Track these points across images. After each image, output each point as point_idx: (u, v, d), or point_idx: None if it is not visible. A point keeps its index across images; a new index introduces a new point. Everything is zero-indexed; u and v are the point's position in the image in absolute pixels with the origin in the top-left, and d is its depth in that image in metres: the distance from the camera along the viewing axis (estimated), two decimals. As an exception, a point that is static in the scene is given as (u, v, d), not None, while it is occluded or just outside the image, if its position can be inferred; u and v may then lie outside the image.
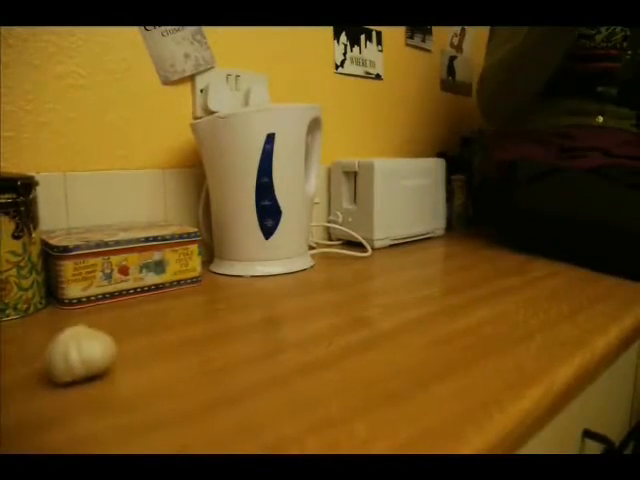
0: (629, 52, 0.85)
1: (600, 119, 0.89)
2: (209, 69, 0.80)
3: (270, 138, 0.69)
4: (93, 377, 0.39)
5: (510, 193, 0.92)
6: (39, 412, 0.34)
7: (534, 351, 0.44)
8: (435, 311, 0.56)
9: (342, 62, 1.02)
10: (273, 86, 0.90)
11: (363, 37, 1.06)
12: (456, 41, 1.34)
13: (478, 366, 0.41)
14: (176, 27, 0.75)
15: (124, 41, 0.71)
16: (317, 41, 0.98)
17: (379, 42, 1.09)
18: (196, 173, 0.81)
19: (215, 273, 0.75)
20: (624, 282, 0.67)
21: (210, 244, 0.81)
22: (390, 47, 1.13)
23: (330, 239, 1.00)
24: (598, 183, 0.80)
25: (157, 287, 0.64)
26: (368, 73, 1.08)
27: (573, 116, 0.87)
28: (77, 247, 0.57)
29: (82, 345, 0.38)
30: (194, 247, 0.67)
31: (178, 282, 0.66)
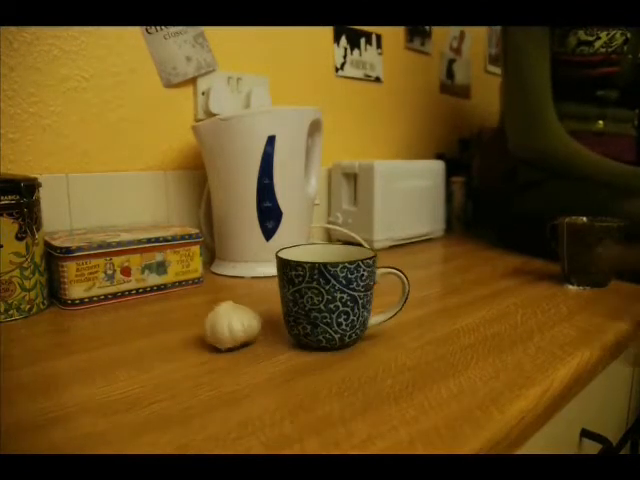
0: (630, 56, 0.85)
1: (600, 124, 0.89)
2: (211, 72, 0.80)
3: (271, 140, 0.69)
4: (248, 343, 0.45)
5: (510, 197, 0.93)
6: (39, 414, 0.35)
7: (533, 351, 0.45)
8: (435, 311, 0.56)
9: (342, 65, 1.03)
10: (274, 88, 0.90)
11: (363, 40, 1.06)
12: (455, 44, 1.34)
13: (477, 366, 0.42)
14: (178, 30, 0.76)
15: (127, 44, 0.72)
16: (317, 44, 0.98)
17: (379, 45, 1.10)
18: (198, 175, 0.81)
19: (216, 274, 0.75)
20: (621, 283, 0.68)
21: (211, 245, 0.81)
22: (390, 50, 1.14)
23: (330, 240, 1.01)
24: (594, 190, 0.81)
25: (159, 288, 0.64)
26: (368, 76, 1.09)
27: (573, 121, 0.87)
28: (80, 248, 0.57)
29: (242, 316, 0.44)
30: (196, 248, 0.67)
31: (180, 283, 0.66)
